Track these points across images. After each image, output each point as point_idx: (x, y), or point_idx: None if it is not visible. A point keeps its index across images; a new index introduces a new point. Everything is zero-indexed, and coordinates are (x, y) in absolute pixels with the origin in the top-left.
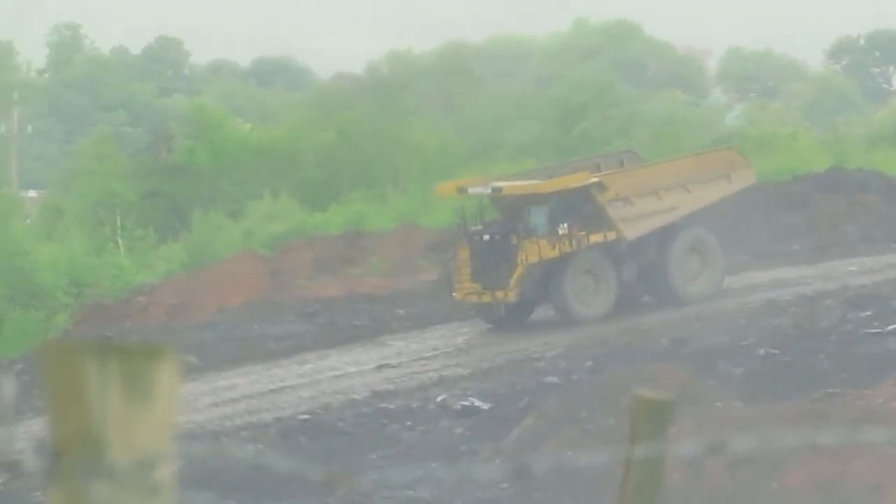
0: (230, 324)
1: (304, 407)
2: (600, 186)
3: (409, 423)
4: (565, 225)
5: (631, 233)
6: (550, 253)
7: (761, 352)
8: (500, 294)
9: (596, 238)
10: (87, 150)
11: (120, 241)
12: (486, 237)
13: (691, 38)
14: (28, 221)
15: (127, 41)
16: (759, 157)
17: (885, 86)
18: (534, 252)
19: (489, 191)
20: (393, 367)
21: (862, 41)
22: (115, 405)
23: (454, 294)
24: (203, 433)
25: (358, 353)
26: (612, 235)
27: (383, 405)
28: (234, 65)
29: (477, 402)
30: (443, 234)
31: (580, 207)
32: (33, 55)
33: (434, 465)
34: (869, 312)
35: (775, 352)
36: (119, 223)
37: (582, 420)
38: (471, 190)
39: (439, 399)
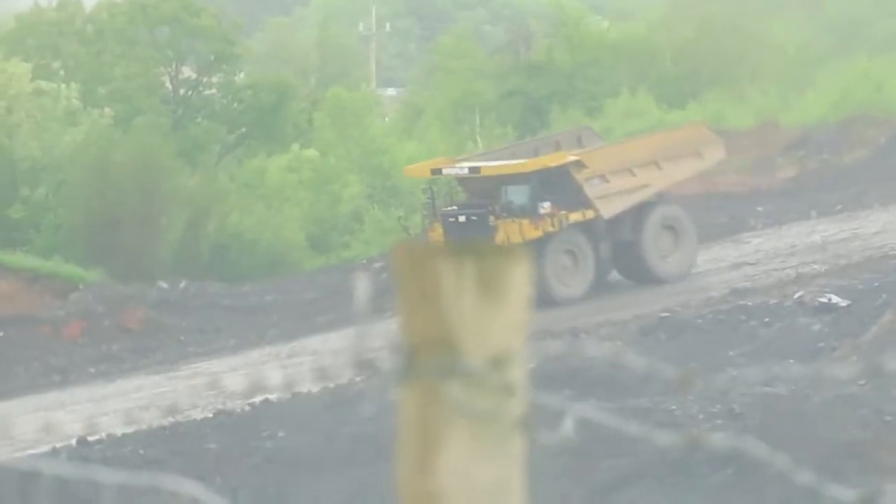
0: None
1: (663, 304)
2: (579, 165)
3: (766, 320)
4: (547, 205)
5: (608, 211)
6: (533, 233)
7: None
8: None
9: (575, 217)
10: (446, 48)
11: (479, 140)
12: (462, 218)
13: None
14: (387, 119)
15: None
16: None
17: None
18: (515, 232)
19: (466, 171)
20: (751, 264)
21: None
22: (470, 305)
23: None
24: (562, 331)
25: (716, 250)
26: (589, 214)
27: (741, 302)
28: None
29: (835, 299)
30: (803, 132)
31: (556, 186)
32: None
33: (791, 361)
34: None
35: None
36: (478, 121)
37: None
38: (445, 171)
39: (797, 296)
